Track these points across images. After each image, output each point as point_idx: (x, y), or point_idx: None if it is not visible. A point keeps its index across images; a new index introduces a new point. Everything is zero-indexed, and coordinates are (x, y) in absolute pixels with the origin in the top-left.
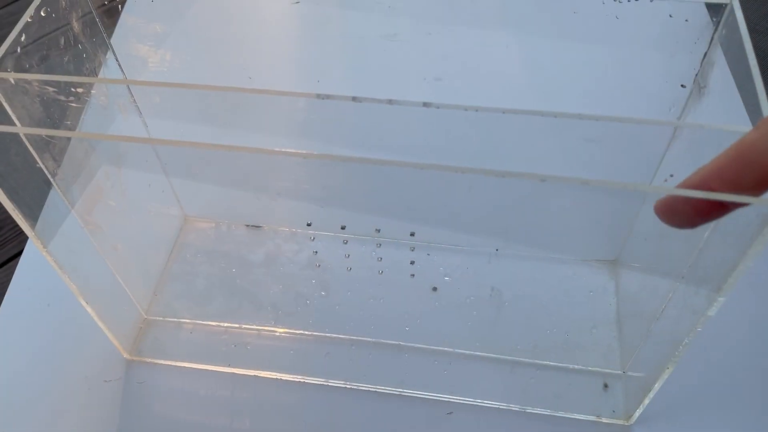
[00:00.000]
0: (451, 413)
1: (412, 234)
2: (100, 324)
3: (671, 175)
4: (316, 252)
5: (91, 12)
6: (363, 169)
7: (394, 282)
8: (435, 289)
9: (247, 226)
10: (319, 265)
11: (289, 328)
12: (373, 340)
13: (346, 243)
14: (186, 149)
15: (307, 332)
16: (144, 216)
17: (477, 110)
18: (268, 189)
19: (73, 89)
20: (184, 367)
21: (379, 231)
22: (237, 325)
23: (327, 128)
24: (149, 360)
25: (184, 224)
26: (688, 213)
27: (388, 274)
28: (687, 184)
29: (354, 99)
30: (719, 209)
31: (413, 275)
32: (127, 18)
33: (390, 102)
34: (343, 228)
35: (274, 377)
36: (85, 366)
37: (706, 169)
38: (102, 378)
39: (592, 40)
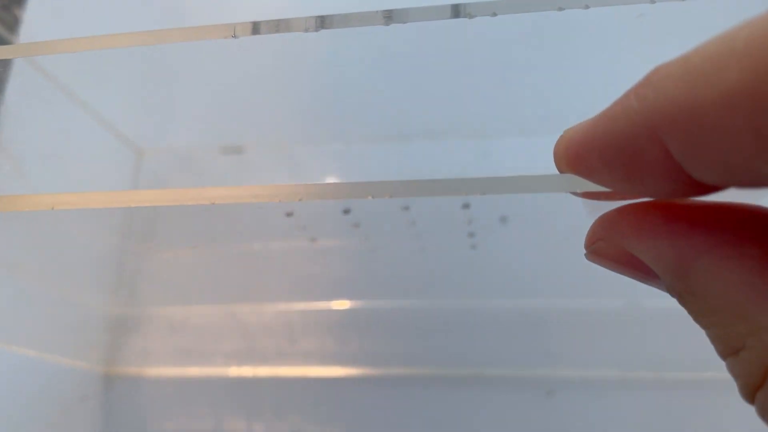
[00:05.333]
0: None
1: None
2: (68, 338)
3: None
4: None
5: None
6: None
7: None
8: None
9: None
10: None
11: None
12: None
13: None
14: None
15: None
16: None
17: None
18: None
19: None
20: (165, 374)
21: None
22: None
23: None
24: (127, 370)
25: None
26: None
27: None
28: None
29: None
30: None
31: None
32: None
33: None
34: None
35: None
36: (59, 387)
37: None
38: (79, 396)
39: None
